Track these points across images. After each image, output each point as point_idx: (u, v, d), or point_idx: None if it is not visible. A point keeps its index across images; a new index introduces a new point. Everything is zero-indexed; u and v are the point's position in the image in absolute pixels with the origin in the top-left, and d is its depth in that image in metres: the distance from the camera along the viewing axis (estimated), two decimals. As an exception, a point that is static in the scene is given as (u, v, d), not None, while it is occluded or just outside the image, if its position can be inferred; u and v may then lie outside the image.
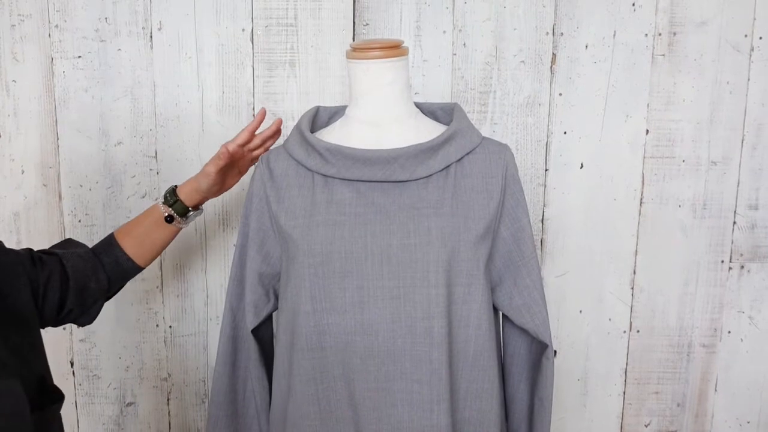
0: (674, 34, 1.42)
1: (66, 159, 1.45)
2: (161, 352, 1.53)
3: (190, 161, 1.45)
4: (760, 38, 1.42)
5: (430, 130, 1.08)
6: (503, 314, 1.13)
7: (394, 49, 1.05)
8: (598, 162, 1.46)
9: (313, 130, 1.11)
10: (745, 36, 1.42)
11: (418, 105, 1.14)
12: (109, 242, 1.14)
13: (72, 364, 1.53)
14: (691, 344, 1.53)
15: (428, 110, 1.15)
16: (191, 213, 1.17)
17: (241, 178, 1.23)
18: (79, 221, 1.48)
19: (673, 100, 1.44)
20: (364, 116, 1.08)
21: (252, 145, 1.16)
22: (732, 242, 1.49)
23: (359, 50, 1.05)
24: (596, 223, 1.48)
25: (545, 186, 1.47)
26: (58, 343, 1.52)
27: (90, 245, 1.19)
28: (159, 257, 1.48)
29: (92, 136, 1.45)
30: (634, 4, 1.41)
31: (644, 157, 1.46)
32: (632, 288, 1.51)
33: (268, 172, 1.08)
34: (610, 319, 1.52)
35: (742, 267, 1.50)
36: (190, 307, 1.52)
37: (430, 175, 1.03)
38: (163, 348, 1.53)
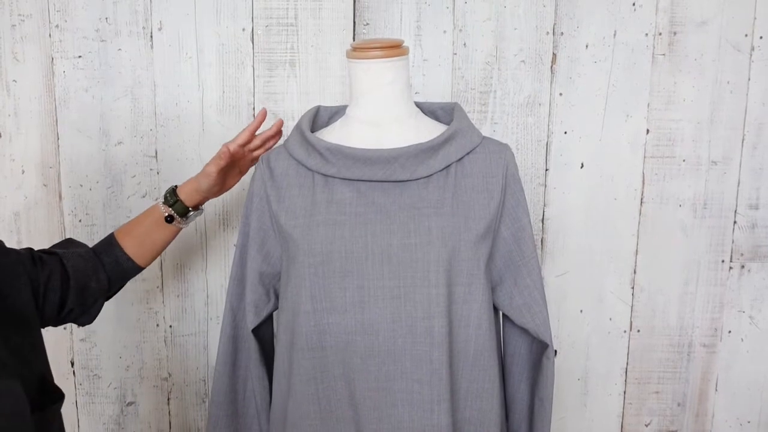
0: (674, 33, 1.42)
1: (66, 159, 1.46)
2: (161, 352, 1.53)
3: (191, 161, 1.45)
4: (761, 38, 1.42)
5: (430, 130, 1.08)
6: (503, 314, 1.13)
7: (394, 48, 1.05)
8: (599, 162, 1.46)
9: (313, 130, 1.11)
10: (746, 35, 1.42)
11: (418, 105, 1.14)
12: (109, 242, 1.14)
13: (72, 364, 1.53)
14: (692, 344, 1.53)
15: (428, 110, 1.15)
16: (191, 213, 1.17)
17: (242, 178, 1.23)
18: (80, 221, 1.48)
19: (673, 100, 1.44)
20: (365, 116, 1.08)
21: (252, 145, 1.16)
22: (732, 242, 1.49)
23: (360, 50, 1.05)
24: (596, 223, 1.48)
25: (545, 186, 1.47)
26: (59, 342, 1.52)
27: (90, 245, 1.19)
28: (159, 257, 1.48)
29: (92, 135, 1.45)
30: (634, 4, 1.40)
31: (644, 157, 1.46)
32: (633, 288, 1.51)
33: (268, 172, 1.08)
34: (610, 319, 1.52)
35: (743, 267, 1.50)
36: (191, 306, 1.52)
37: (431, 174, 1.03)
38: (163, 348, 1.53)
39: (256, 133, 1.16)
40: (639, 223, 1.48)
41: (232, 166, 1.16)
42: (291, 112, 1.44)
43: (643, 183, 1.47)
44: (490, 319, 1.04)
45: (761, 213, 1.48)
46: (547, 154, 1.46)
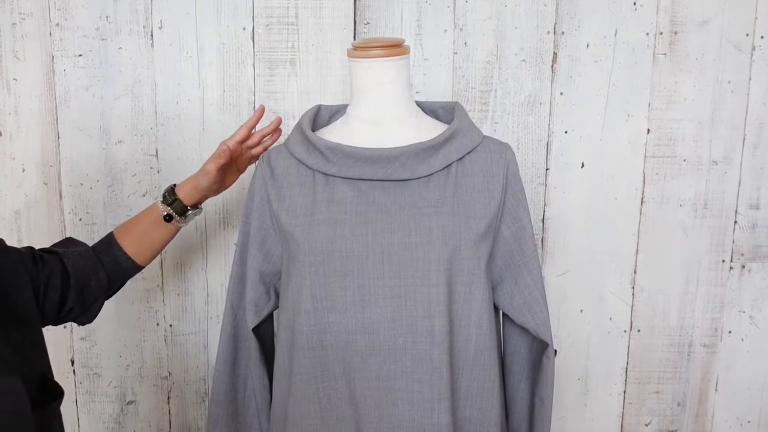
0: (675, 33, 1.42)
1: (67, 157, 1.46)
2: (162, 351, 1.53)
3: (191, 160, 1.45)
4: (762, 37, 1.42)
5: (431, 129, 1.08)
6: (504, 313, 1.13)
7: (395, 47, 1.05)
8: (599, 161, 1.46)
9: (314, 129, 1.11)
10: (747, 35, 1.42)
11: (419, 104, 1.14)
12: (109, 241, 1.14)
13: (72, 363, 1.53)
14: (692, 344, 1.53)
15: (429, 109, 1.15)
16: (190, 212, 1.16)
17: (241, 177, 1.23)
18: (80, 220, 1.48)
19: (674, 100, 1.44)
20: (365, 115, 1.08)
21: (250, 142, 1.15)
22: (733, 242, 1.49)
23: (360, 49, 1.05)
24: (597, 223, 1.48)
25: (546, 185, 1.47)
26: (59, 341, 1.52)
27: (90, 244, 1.19)
28: (159, 256, 1.48)
29: (93, 134, 1.45)
30: (635, 3, 1.40)
31: (645, 157, 1.46)
32: (633, 287, 1.51)
33: (269, 171, 1.08)
34: (610, 319, 1.52)
35: (743, 266, 1.50)
36: (191, 305, 1.52)
37: (431, 173, 1.03)
38: (163, 346, 1.53)
39: (254, 130, 1.16)
40: (639, 222, 1.48)
41: (230, 164, 1.15)
42: (291, 111, 1.44)
43: (644, 183, 1.47)
44: (490, 318, 1.04)
45: (762, 213, 1.48)
46: (547, 153, 1.46)
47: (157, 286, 1.51)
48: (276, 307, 1.14)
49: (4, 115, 1.44)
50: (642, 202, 1.48)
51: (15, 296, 0.93)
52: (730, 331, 1.53)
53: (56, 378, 1.32)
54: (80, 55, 1.42)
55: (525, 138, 1.45)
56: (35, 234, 1.48)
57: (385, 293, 0.99)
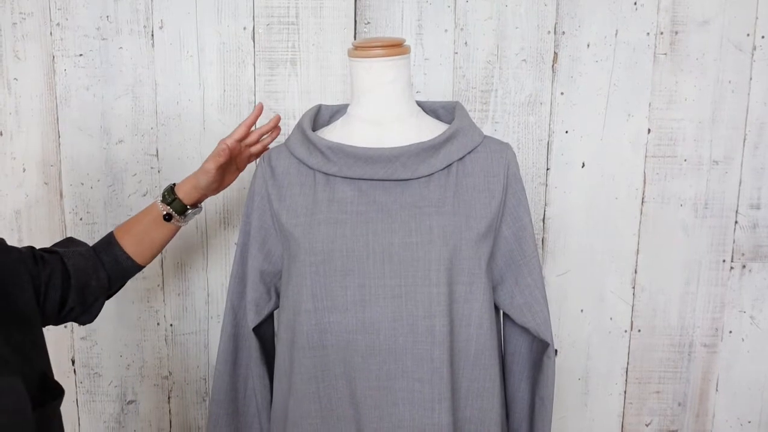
0: (676, 33, 1.41)
1: (67, 157, 1.46)
2: (162, 351, 1.53)
3: (192, 159, 1.45)
4: (762, 37, 1.42)
5: (431, 129, 1.08)
6: (504, 313, 1.13)
7: (395, 47, 1.05)
8: (600, 161, 1.46)
9: (314, 129, 1.11)
10: (747, 35, 1.42)
11: (419, 103, 1.14)
12: (109, 241, 1.13)
13: (73, 362, 1.53)
14: (693, 344, 1.53)
15: (430, 109, 1.15)
16: (190, 211, 1.16)
17: (241, 176, 1.22)
18: (81, 219, 1.48)
19: (674, 99, 1.44)
20: (366, 115, 1.08)
21: (249, 140, 1.15)
22: (734, 242, 1.49)
23: (361, 49, 1.05)
24: (598, 222, 1.48)
25: (546, 185, 1.47)
26: (60, 340, 1.52)
27: (91, 243, 1.19)
28: (160, 255, 1.48)
29: (93, 134, 1.45)
30: (636, 3, 1.40)
31: (646, 156, 1.46)
32: (633, 287, 1.51)
33: (269, 171, 1.08)
34: (611, 319, 1.52)
35: (744, 266, 1.50)
36: (191, 305, 1.52)
37: (432, 173, 1.03)
38: (164, 346, 1.53)
39: (253, 128, 1.16)
40: (640, 222, 1.48)
41: (229, 162, 1.15)
42: (292, 110, 1.44)
43: (645, 182, 1.47)
44: (491, 318, 1.04)
45: (762, 213, 1.48)
46: (548, 153, 1.46)
47: (158, 285, 1.51)
48: (276, 306, 1.14)
49: (4, 114, 1.44)
50: (642, 201, 1.48)
51: (15, 296, 0.93)
52: (730, 331, 1.53)
53: (57, 377, 1.32)
54: (81, 55, 1.42)
55: (525, 138, 1.45)
56: (36, 234, 1.48)
57: (386, 293, 0.99)
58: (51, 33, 1.41)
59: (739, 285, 1.51)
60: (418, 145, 1.02)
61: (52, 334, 1.50)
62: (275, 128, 1.18)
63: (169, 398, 1.55)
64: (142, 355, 1.53)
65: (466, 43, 1.42)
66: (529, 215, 1.08)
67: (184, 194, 1.14)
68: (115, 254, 1.12)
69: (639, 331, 1.53)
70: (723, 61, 1.42)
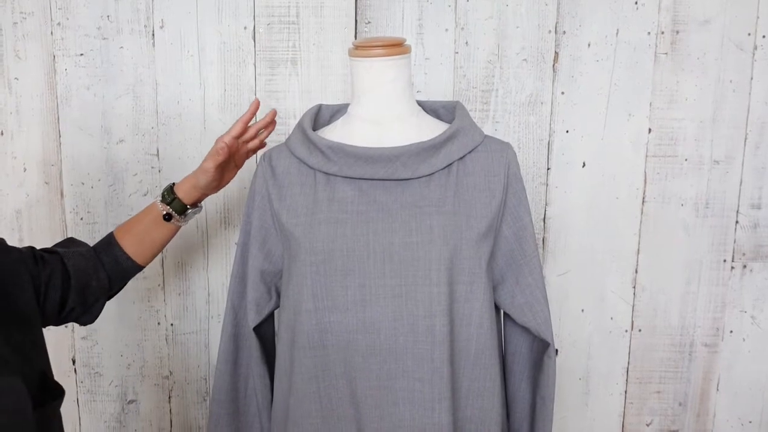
0: (677, 32, 1.41)
1: (68, 157, 1.46)
2: (163, 350, 1.53)
3: (192, 159, 1.45)
4: (764, 37, 1.41)
5: (432, 129, 1.08)
6: (505, 313, 1.13)
7: (396, 47, 1.05)
8: (601, 161, 1.46)
9: (315, 128, 1.11)
10: (749, 34, 1.41)
11: (420, 103, 1.14)
12: (109, 241, 1.13)
13: (74, 362, 1.54)
14: (693, 343, 1.53)
15: (430, 108, 1.15)
16: (190, 211, 1.16)
17: (242, 175, 1.22)
18: (81, 219, 1.48)
19: (675, 99, 1.44)
20: (366, 114, 1.07)
21: (246, 136, 1.14)
22: (734, 241, 1.49)
23: (362, 48, 1.05)
24: (598, 222, 1.48)
25: (547, 185, 1.47)
26: (60, 340, 1.52)
27: (92, 243, 1.19)
28: (160, 255, 1.48)
29: (94, 133, 1.45)
30: (636, 3, 1.40)
31: (647, 156, 1.46)
32: (634, 287, 1.51)
33: (270, 170, 1.08)
34: (611, 318, 1.52)
35: (745, 266, 1.50)
36: (192, 305, 1.52)
37: (432, 173, 1.03)
38: (164, 346, 1.53)
39: (249, 124, 1.15)
40: (641, 222, 1.48)
41: (228, 160, 1.15)
42: (292, 110, 1.44)
43: (645, 182, 1.47)
44: (491, 317, 1.04)
45: (763, 212, 1.48)
46: (548, 153, 1.46)
47: (158, 285, 1.51)
48: (277, 306, 1.14)
49: (5, 114, 1.44)
50: (643, 201, 1.48)
51: (16, 296, 0.93)
52: (731, 331, 1.53)
53: (57, 377, 1.32)
54: (81, 55, 1.42)
55: (526, 137, 1.45)
56: (36, 233, 1.48)
57: (386, 293, 0.99)
58: (52, 32, 1.41)
59: (740, 285, 1.51)
60: (418, 145, 1.02)
61: (52, 333, 1.50)
62: (271, 123, 1.17)
63: (169, 398, 1.55)
64: (143, 355, 1.53)
65: (466, 42, 1.42)
66: (530, 215, 1.08)
67: (183, 194, 1.14)
68: (116, 254, 1.12)
69: (640, 330, 1.53)
70: (724, 60, 1.42)
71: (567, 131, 1.45)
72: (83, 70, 1.42)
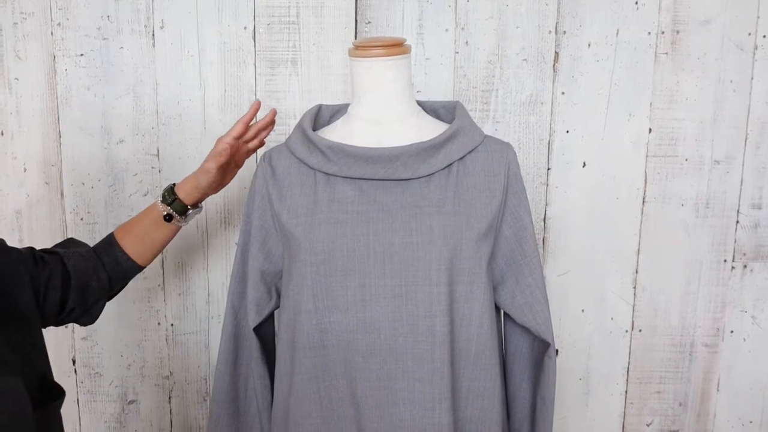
0: (677, 32, 1.41)
1: (68, 157, 1.46)
2: (163, 350, 1.53)
3: (192, 159, 1.45)
4: (764, 37, 1.41)
5: (432, 129, 1.08)
6: (505, 313, 1.13)
7: (396, 47, 1.05)
8: (601, 161, 1.46)
9: (315, 129, 1.11)
10: (749, 34, 1.41)
11: (420, 103, 1.14)
12: (109, 242, 1.13)
13: (74, 362, 1.54)
14: (694, 344, 1.53)
15: (430, 108, 1.15)
16: (190, 211, 1.16)
17: (242, 176, 1.22)
18: (81, 219, 1.48)
19: (676, 99, 1.44)
20: (366, 114, 1.07)
21: (247, 136, 1.14)
22: (735, 241, 1.49)
23: (362, 48, 1.05)
24: (598, 222, 1.48)
25: (547, 185, 1.47)
26: (60, 340, 1.52)
27: (92, 243, 1.19)
28: (161, 255, 1.48)
29: (94, 134, 1.45)
30: (637, 3, 1.40)
31: (647, 156, 1.46)
32: (634, 287, 1.51)
33: (270, 170, 1.08)
34: (612, 319, 1.52)
35: (745, 266, 1.50)
36: (192, 305, 1.52)
37: (433, 173, 1.03)
38: (164, 346, 1.53)
39: (250, 124, 1.15)
40: (641, 222, 1.48)
41: (228, 160, 1.15)
42: (293, 110, 1.44)
43: (646, 182, 1.47)
44: (491, 317, 1.04)
45: (764, 212, 1.48)
46: (549, 153, 1.46)
47: (159, 285, 1.51)
48: (277, 306, 1.14)
49: (5, 114, 1.44)
50: (643, 201, 1.48)
51: (15, 296, 0.93)
52: (732, 331, 1.53)
53: (58, 377, 1.32)
54: (82, 55, 1.42)
55: (526, 137, 1.45)
56: (36, 233, 1.48)
57: (386, 293, 0.99)
58: (52, 33, 1.41)
59: (741, 285, 1.51)
60: (418, 145, 1.02)
61: (52, 334, 1.50)
62: (271, 122, 1.17)
63: (169, 398, 1.55)
64: (143, 355, 1.53)
65: (466, 42, 1.42)
66: (530, 215, 1.08)
67: (184, 194, 1.14)
68: (116, 255, 1.12)
69: (640, 331, 1.52)
70: (724, 60, 1.42)
71: (567, 131, 1.45)
72: (83, 70, 1.42)
